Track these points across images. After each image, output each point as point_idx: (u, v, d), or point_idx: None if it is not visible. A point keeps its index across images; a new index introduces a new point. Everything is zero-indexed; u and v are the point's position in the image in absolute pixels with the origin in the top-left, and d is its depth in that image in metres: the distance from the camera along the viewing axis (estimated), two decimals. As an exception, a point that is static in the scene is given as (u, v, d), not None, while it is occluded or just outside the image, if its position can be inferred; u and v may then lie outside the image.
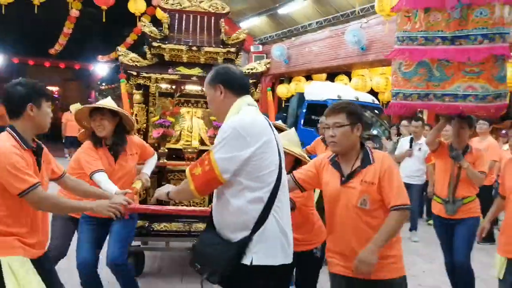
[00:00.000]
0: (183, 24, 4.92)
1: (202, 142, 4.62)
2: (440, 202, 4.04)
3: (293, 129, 3.45)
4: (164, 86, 4.67)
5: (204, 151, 3.77)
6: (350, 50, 12.66)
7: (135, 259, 4.38)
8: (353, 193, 2.41)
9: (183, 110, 4.69)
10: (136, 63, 4.46)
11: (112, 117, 3.28)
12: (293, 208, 2.75)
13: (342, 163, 2.51)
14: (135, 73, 4.37)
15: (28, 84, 2.37)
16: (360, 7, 12.13)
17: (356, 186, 2.41)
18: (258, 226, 2.02)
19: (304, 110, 11.21)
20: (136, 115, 4.45)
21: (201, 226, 4.18)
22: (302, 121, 11.16)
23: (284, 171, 2.16)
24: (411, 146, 6.61)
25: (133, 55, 4.48)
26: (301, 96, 11.94)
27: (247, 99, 2.19)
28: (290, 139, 3.06)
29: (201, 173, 2.05)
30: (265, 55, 15.89)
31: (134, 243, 4.18)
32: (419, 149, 6.53)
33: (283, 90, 16.29)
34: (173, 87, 4.70)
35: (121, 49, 4.45)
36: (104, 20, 11.79)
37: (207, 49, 4.49)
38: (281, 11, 14.78)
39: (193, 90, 4.76)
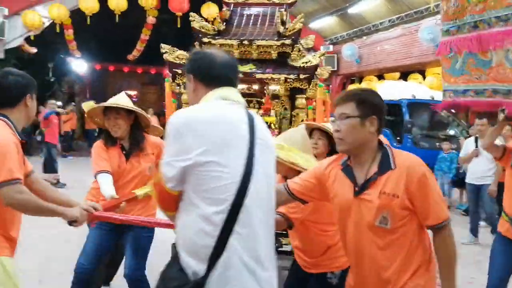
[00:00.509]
0: (244, 18, 4.80)
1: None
2: (508, 220, 3.33)
3: (300, 126, 3.00)
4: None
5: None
6: (425, 48, 12.02)
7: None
8: (369, 208, 1.88)
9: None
10: (183, 61, 4.40)
11: (127, 116, 3.14)
12: (290, 226, 2.39)
13: (356, 168, 1.96)
14: (180, 72, 4.30)
15: (26, 76, 2.33)
16: (435, 3, 11.47)
17: (373, 199, 1.87)
18: (213, 259, 1.54)
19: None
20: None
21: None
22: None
23: (255, 187, 1.62)
24: (477, 146, 6.22)
25: (180, 52, 4.41)
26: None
27: (222, 91, 1.75)
28: (293, 142, 2.59)
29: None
30: (335, 55, 15.56)
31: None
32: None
33: (354, 90, 15.72)
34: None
35: (166, 46, 4.38)
36: (178, 25, 12.13)
37: (259, 42, 4.31)
38: (352, 10, 14.41)
39: (244, 88, 4.62)
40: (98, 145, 3.23)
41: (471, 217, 6.57)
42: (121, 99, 3.19)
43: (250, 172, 1.62)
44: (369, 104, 1.91)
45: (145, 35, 15.71)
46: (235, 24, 4.80)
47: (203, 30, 4.57)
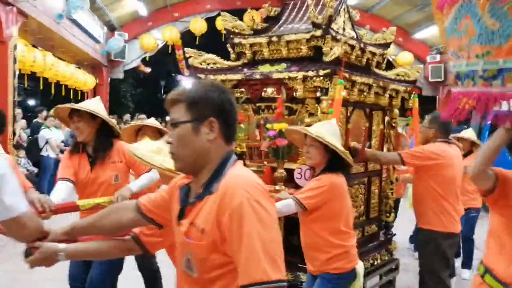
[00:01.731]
0: (293, 15, 4.25)
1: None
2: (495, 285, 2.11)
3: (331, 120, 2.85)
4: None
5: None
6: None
7: None
8: (179, 243, 1.41)
9: (257, 117, 3.96)
10: (211, 65, 3.98)
11: (91, 120, 2.90)
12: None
13: (193, 188, 1.46)
14: (203, 77, 3.89)
15: None
16: None
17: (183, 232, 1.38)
18: None
19: (489, 122, 9.17)
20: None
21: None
22: (486, 134, 9.25)
23: None
24: None
25: (207, 56, 4.01)
26: None
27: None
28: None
29: None
30: (442, 65, 14.03)
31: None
32: None
33: (464, 100, 13.97)
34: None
35: (190, 50, 4.02)
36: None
37: (287, 37, 3.72)
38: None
39: (274, 93, 4.02)
40: (66, 151, 3.16)
41: None
42: (90, 103, 3.02)
43: None
44: (204, 102, 1.37)
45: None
46: (281, 21, 4.25)
47: (236, 30, 4.12)
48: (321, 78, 3.23)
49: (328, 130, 2.68)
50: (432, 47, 15.25)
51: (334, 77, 3.18)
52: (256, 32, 4.04)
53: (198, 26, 13.44)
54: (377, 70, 4.12)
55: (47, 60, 9.66)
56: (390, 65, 4.30)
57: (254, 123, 3.96)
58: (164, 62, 17.08)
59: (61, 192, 2.75)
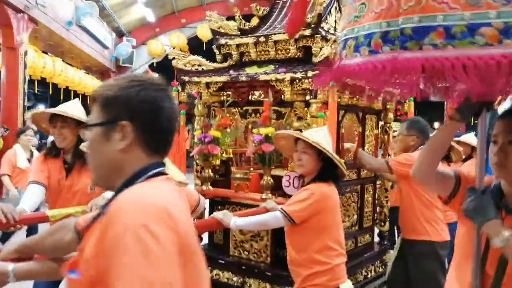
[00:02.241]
0: (283, 12, 4.05)
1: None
2: None
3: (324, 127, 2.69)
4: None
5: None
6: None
7: None
8: None
9: (244, 121, 3.75)
10: (196, 67, 3.78)
11: (75, 126, 2.70)
12: None
13: None
14: (187, 79, 3.68)
15: None
16: None
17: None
18: None
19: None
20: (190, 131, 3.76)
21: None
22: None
23: None
24: None
25: (193, 58, 3.81)
26: (495, 112, 9.68)
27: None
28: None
29: None
30: None
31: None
32: None
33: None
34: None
35: (174, 51, 3.82)
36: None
37: (275, 37, 3.51)
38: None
39: (261, 96, 3.83)
40: (39, 155, 2.93)
41: None
42: (71, 107, 2.78)
43: None
44: (118, 101, 1.07)
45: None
46: (270, 21, 4.05)
47: (221, 30, 3.92)
48: (310, 80, 3.03)
49: (322, 137, 2.48)
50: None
51: (324, 79, 2.98)
52: (243, 33, 3.85)
53: (205, 32, 13.49)
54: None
55: (56, 66, 9.99)
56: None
57: (241, 127, 3.75)
58: (171, 67, 17.42)
59: (33, 195, 2.58)
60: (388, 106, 3.92)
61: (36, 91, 12.74)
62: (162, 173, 1.09)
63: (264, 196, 3.10)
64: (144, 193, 0.99)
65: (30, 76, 8.83)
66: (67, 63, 10.91)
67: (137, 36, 14.56)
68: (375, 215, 4.04)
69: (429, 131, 3.46)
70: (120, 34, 14.13)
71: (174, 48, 14.07)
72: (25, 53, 8.24)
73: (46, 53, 9.78)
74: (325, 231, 2.39)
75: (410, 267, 3.30)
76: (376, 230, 4.12)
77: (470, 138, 4.74)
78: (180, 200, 1.07)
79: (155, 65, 15.04)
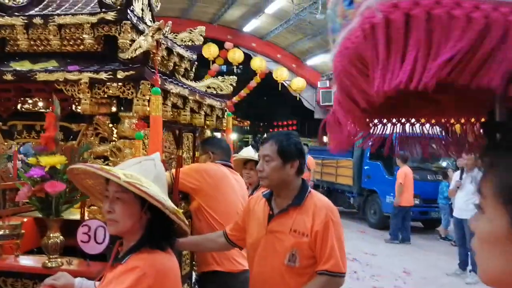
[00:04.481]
0: None
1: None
2: None
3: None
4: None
5: None
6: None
7: None
8: None
9: (10, 143, 2.50)
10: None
11: None
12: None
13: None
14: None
15: None
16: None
17: None
18: None
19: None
20: None
21: None
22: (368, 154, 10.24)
23: None
24: (461, 178, 6.29)
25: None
26: None
27: None
28: None
29: None
30: (332, 90, 15.22)
31: None
32: (471, 181, 6.05)
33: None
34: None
35: None
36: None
37: (60, 20, 2.39)
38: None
39: (38, 105, 2.63)
40: None
41: (459, 251, 6.51)
42: None
43: None
44: None
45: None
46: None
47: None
48: (120, 83, 2.06)
49: (148, 172, 1.53)
50: (323, 74, 16.81)
51: (142, 83, 2.05)
52: (6, 10, 2.58)
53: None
54: (184, 80, 3.15)
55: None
56: (196, 77, 3.49)
57: (4, 153, 2.48)
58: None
59: None
60: (208, 122, 3.20)
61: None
62: None
63: (50, 264, 1.97)
64: None
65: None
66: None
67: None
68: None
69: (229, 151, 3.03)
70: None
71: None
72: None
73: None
74: None
75: None
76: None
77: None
78: None
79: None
